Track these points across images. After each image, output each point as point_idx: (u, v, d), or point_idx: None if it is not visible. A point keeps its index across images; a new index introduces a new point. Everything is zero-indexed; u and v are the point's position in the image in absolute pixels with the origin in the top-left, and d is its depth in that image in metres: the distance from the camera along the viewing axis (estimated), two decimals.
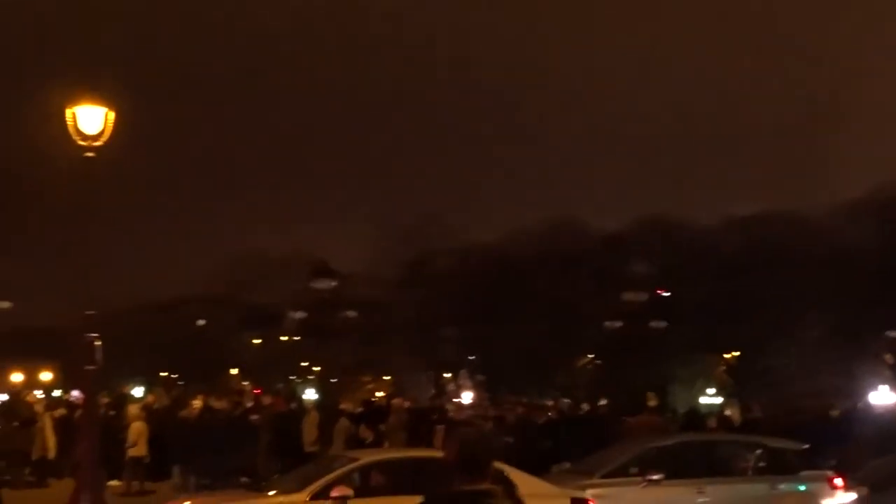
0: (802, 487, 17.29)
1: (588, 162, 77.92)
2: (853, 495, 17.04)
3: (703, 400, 47.94)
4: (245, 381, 54.07)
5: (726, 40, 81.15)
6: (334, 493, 14.06)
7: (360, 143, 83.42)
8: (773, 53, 77.27)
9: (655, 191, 73.53)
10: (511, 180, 77.40)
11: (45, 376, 61.84)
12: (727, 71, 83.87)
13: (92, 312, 18.73)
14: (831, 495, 17.10)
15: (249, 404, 30.97)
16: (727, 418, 30.49)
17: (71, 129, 18.52)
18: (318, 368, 59.28)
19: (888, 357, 46.33)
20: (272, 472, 21.97)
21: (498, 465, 5.74)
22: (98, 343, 18.53)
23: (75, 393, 31.75)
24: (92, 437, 18.76)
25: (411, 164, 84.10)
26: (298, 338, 60.97)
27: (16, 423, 27.37)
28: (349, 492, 14.11)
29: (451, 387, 55.30)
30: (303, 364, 60.56)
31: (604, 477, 16.80)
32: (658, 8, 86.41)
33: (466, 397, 50.26)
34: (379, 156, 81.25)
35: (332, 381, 56.32)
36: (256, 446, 24.99)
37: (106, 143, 18.66)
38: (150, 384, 53.99)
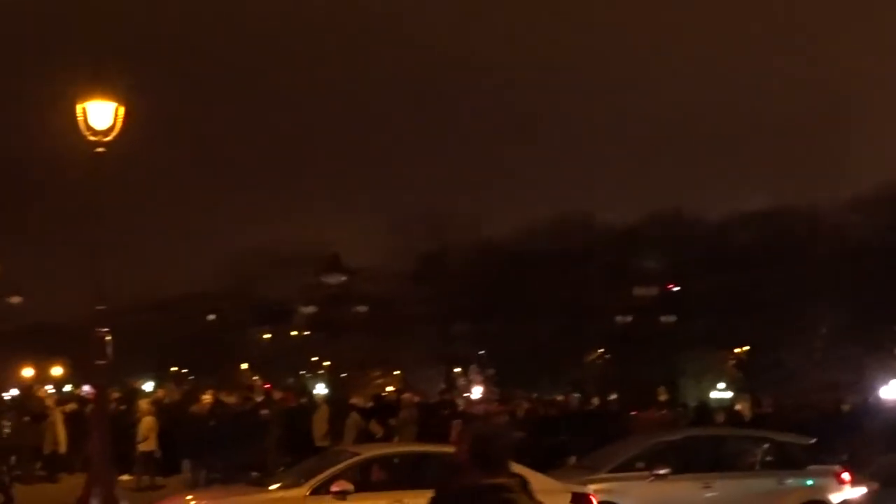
0: (810, 482, 17.28)
1: (598, 157, 77.81)
2: (861, 490, 17.05)
3: (713, 395, 47.94)
4: (255, 375, 54.05)
5: (736, 33, 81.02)
6: (334, 488, 14.06)
7: (361, 143, 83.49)
8: (786, 48, 77.03)
9: (666, 186, 73.40)
10: (521, 176, 77.35)
11: (56, 371, 61.96)
12: (737, 66, 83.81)
13: (102, 308, 18.78)
14: (839, 490, 17.10)
15: (260, 399, 30.95)
16: (737, 413, 30.51)
17: (81, 125, 18.48)
18: (329, 363, 59.23)
19: None
20: (282, 467, 21.97)
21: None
22: (108, 338, 18.56)
23: (86, 388, 31.93)
24: (103, 431, 18.78)
25: (421, 161, 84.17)
26: (309, 332, 60.95)
27: (27, 418, 27.35)
28: (349, 486, 14.09)
29: (461, 382, 55.28)
30: (313, 359, 60.49)
31: (611, 472, 16.84)
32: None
33: (476, 392, 50.22)
34: (385, 155, 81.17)
35: (342, 375, 56.29)
36: (266, 441, 25.03)
37: (115, 139, 18.69)
38: (161, 379, 54.12)
